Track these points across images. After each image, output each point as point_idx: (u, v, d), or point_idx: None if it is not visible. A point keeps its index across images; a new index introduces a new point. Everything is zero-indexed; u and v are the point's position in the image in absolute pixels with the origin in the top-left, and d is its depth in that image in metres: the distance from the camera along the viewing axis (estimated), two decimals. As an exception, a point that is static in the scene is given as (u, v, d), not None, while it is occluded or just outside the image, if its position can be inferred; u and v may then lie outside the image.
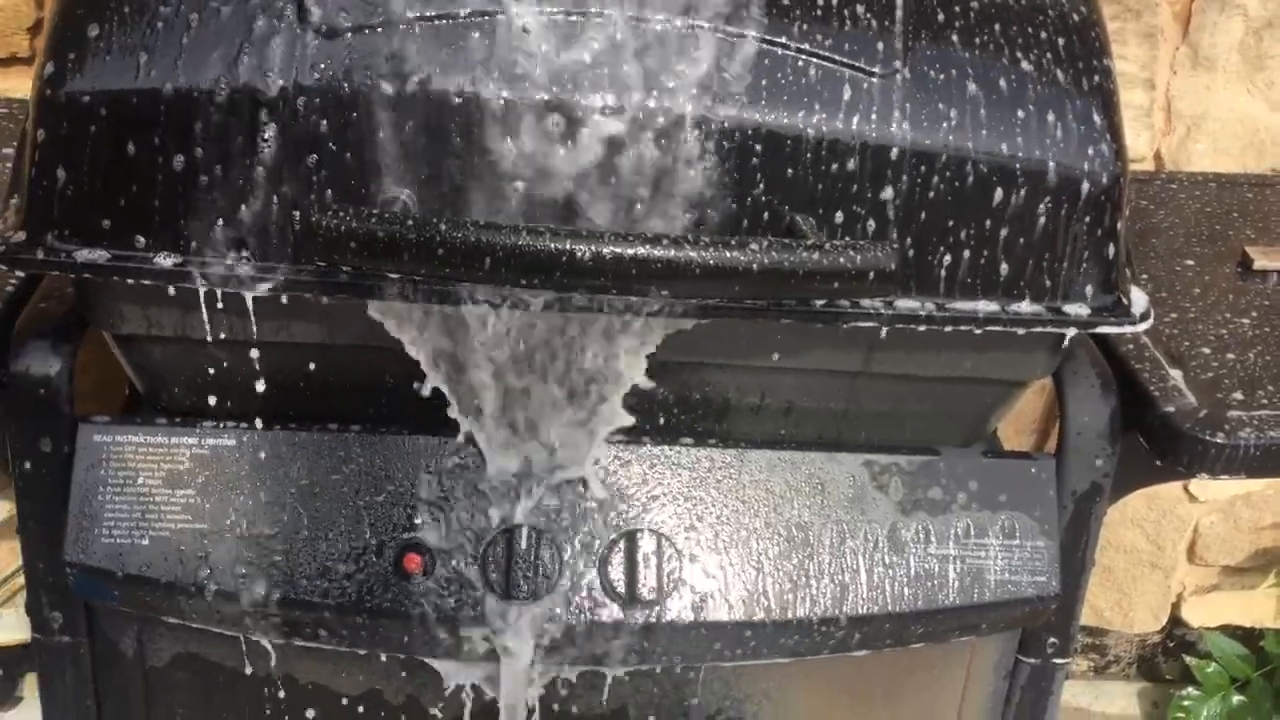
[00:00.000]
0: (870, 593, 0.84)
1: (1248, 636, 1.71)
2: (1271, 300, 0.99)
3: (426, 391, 0.79)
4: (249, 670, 0.86)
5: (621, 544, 0.81)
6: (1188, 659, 1.71)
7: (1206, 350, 0.92)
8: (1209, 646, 1.70)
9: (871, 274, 0.68)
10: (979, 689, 0.94)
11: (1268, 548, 1.65)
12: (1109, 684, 1.80)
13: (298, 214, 0.70)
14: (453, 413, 0.81)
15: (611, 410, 0.81)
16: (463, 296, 0.72)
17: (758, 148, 0.71)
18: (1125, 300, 0.80)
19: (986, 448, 0.90)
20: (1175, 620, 1.73)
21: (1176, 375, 0.88)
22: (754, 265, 0.66)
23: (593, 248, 0.64)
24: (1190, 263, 1.04)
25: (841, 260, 0.68)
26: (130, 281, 0.72)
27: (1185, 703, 1.69)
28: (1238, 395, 0.86)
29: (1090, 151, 0.76)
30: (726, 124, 0.71)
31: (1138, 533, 1.63)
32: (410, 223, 0.64)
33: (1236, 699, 1.68)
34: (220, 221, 0.70)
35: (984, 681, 0.94)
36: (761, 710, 0.92)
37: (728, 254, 0.66)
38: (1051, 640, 0.92)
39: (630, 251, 0.64)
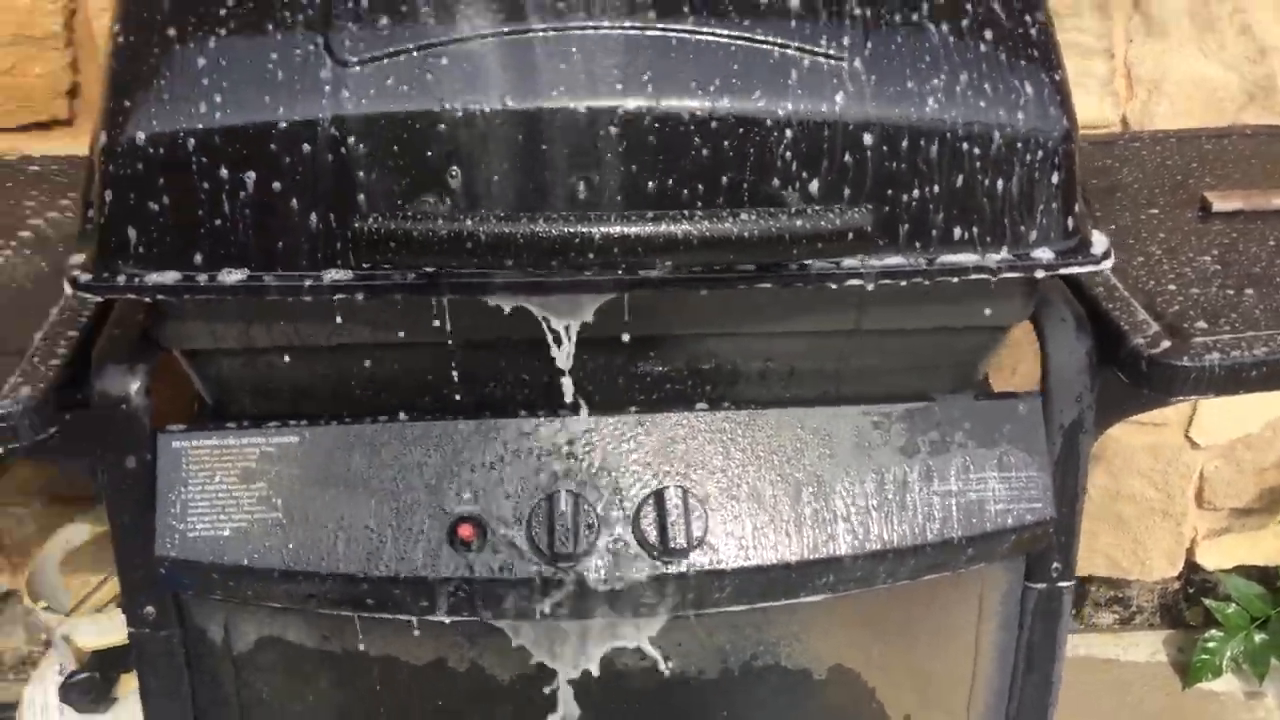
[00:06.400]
0: (882, 531, 0.92)
1: (1264, 576, 1.77)
2: (1230, 238, 1.07)
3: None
4: (327, 648, 0.95)
5: (651, 501, 0.90)
6: (1208, 602, 1.77)
7: (1172, 287, 1.00)
8: (1228, 589, 1.77)
9: (851, 234, 0.78)
10: (993, 616, 1.02)
11: (1272, 487, 1.72)
12: (1135, 634, 1.88)
13: (339, 223, 0.79)
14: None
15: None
16: (494, 286, 0.82)
17: (742, 130, 0.80)
18: (1087, 243, 0.88)
19: (977, 391, 0.98)
20: (1193, 566, 1.80)
21: (1144, 311, 0.96)
22: (745, 233, 0.75)
23: (602, 229, 0.73)
24: (1154, 211, 1.13)
25: (823, 223, 0.77)
26: (199, 298, 0.81)
27: (1210, 644, 1.76)
28: (1201, 324, 0.94)
29: (1040, 113, 0.84)
30: (716, 114, 0.80)
31: (1145, 483, 1.71)
32: (440, 221, 0.73)
33: (1258, 637, 1.74)
34: (275, 237, 0.80)
35: (997, 609, 1.02)
36: (794, 650, 1.01)
37: (721, 225, 0.75)
38: (1055, 565, 1.00)
39: (635, 230, 0.74)
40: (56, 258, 0.99)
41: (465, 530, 0.88)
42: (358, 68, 0.79)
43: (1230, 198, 1.12)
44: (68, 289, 0.82)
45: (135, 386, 0.88)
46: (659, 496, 0.90)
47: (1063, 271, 0.87)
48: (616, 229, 0.74)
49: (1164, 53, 1.43)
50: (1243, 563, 1.78)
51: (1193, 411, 1.65)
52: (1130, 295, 0.98)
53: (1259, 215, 1.11)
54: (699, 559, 0.90)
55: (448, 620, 0.92)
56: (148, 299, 0.82)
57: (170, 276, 0.81)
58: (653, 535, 0.90)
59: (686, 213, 0.75)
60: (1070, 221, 0.87)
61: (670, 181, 0.80)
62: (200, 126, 0.79)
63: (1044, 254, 0.86)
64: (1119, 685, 1.80)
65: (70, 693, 1.12)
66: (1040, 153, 0.84)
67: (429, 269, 0.79)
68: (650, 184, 0.80)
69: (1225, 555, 1.78)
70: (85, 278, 0.82)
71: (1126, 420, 1.65)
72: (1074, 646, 1.85)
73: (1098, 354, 0.96)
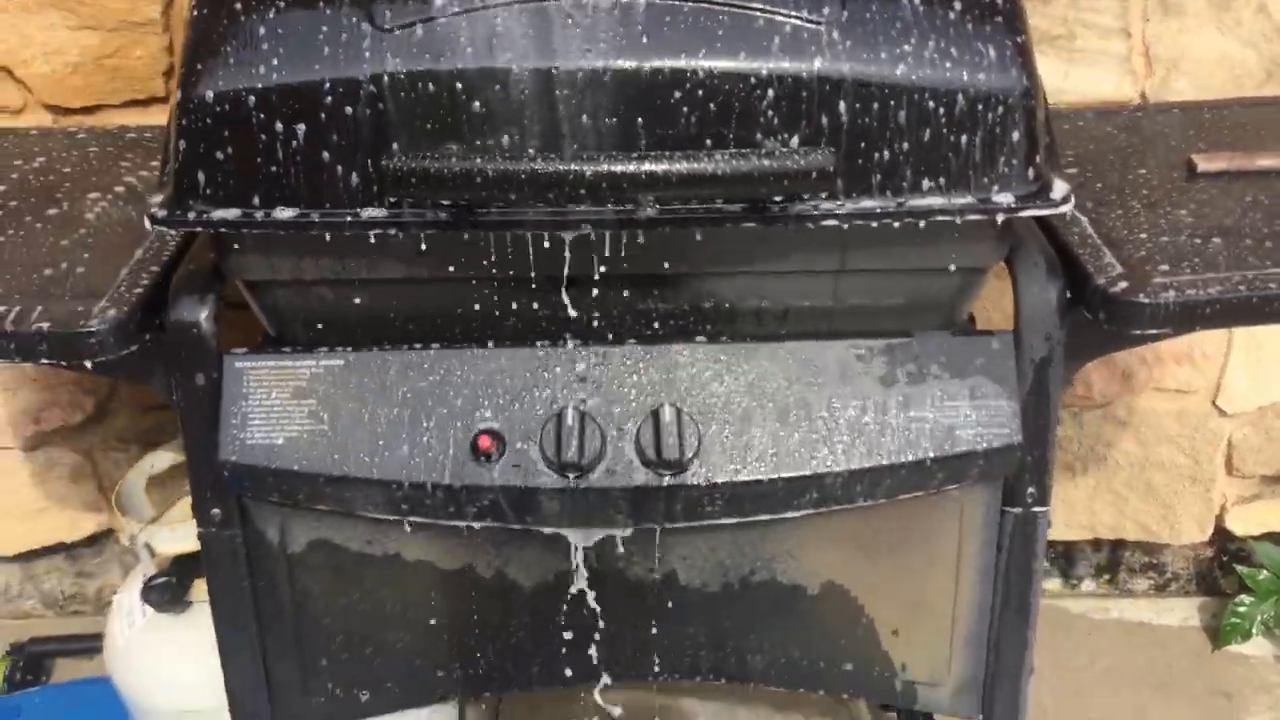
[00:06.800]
0: (861, 452, 1.02)
1: (1295, 543, 1.82)
2: (1209, 195, 1.14)
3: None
4: (368, 550, 1.08)
5: (650, 419, 1.01)
6: (1240, 569, 1.82)
7: (1143, 236, 1.08)
8: (1259, 556, 1.81)
9: (814, 173, 0.88)
10: (973, 538, 1.11)
11: (1301, 456, 1.77)
12: (1170, 600, 1.93)
13: (375, 168, 0.91)
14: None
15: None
16: (507, 223, 0.93)
17: (728, 87, 0.90)
18: (1048, 189, 0.97)
19: (955, 328, 1.07)
20: (1224, 534, 1.85)
21: (1111, 255, 1.04)
22: (718, 171, 0.86)
23: (591, 167, 0.85)
24: (1143, 171, 1.20)
25: (789, 163, 0.87)
26: (256, 232, 0.94)
27: (1240, 608, 1.81)
28: (1164, 267, 1.02)
29: (1002, 74, 0.93)
30: (706, 72, 0.90)
31: (1174, 449, 1.76)
32: (453, 160, 0.86)
33: (1288, 603, 1.79)
34: (321, 180, 0.92)
35: (977, 531, 1.11)
36: (789, 567, 1.11)
37: (697, 164, 0.86)
38: (1030, 490, 1.08)
39: (620, 168, 0.85)
40: (144, 208, 1.14)
41: (485, 442, 1.00)
42: (393, 33, 0.91)
43: (1216, 159, 1.19)
44: (148, 224, 0.96)
45: (205, 314, 1.02)
46: (656, 415, 1.01)
47: (1022, 214, 0.96)
48: (604, 166, 0.85)
49: (1181, 32, 1.50)
50: (1273, 530, 1.82)
51: (1219, 379, 1.71)
52: (1102, 242, 1.07)
53: (1241, 175, 1.18)
54: (692, 472, 1.01)
55: (476, 525, 1.04)
56: (212, 232, 0.96)
57: (232, 213, 0.94)
58: (650, 450, 1.01)
59: (666, 153, 0.86)
60: (1031, 170, 0.96)
61: (665, 133, 0.91)
62: (259, 85, 0.92)
63: (1005, 198, 0.95)
64: (1151, 647, 1.85)
65: (150, 594, 1.27)
66: (1001, 109, 0.93)
67: (447, 203, 0.91)
68: (648, 134, 0.91)
69: (1255, 522, 1.83)
70: (162, 214, 0.96)
71: (1153, 388, 1.72)
72: (1107, 610, 1.91)
73: (1068, 296, 1.04)
